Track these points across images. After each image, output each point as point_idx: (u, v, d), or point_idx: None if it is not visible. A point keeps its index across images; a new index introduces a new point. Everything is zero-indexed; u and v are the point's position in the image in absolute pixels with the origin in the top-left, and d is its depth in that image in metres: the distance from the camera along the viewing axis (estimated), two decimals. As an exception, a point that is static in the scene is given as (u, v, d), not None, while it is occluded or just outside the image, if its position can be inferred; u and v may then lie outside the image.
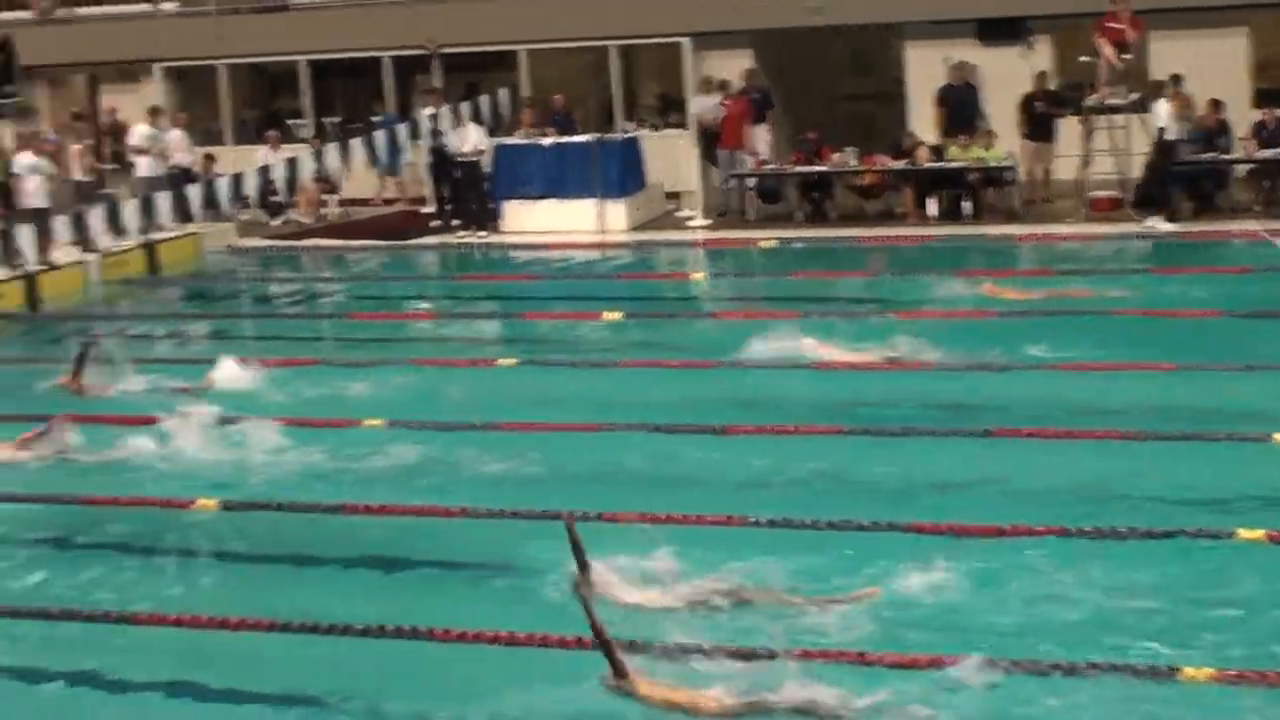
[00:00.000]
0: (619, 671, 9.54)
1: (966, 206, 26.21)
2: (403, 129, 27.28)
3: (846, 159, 26.98)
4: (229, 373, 17.86)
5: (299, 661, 10.68)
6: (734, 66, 29.11)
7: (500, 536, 12.44)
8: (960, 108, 27.16)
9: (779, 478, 13.66)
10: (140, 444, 15.32)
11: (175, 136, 29.73)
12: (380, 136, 26.84)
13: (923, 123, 27.97)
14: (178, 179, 27.49)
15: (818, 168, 27.06)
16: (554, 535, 11.27)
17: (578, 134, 28.16)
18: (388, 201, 30.91)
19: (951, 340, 17.37)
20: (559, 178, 27.48)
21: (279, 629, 10.91)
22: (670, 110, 31.20)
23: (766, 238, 25.67)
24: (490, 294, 23.57)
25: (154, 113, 29.64)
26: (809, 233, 25.89)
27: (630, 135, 29.26)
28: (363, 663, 10.48)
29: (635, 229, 27.22)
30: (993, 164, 26.40)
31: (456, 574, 12.05)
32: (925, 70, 28.46)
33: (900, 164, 26.63)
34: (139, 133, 29.13)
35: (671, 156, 28.69)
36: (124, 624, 11.21)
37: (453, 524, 12.89)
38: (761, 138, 28.11)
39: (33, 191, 26.24)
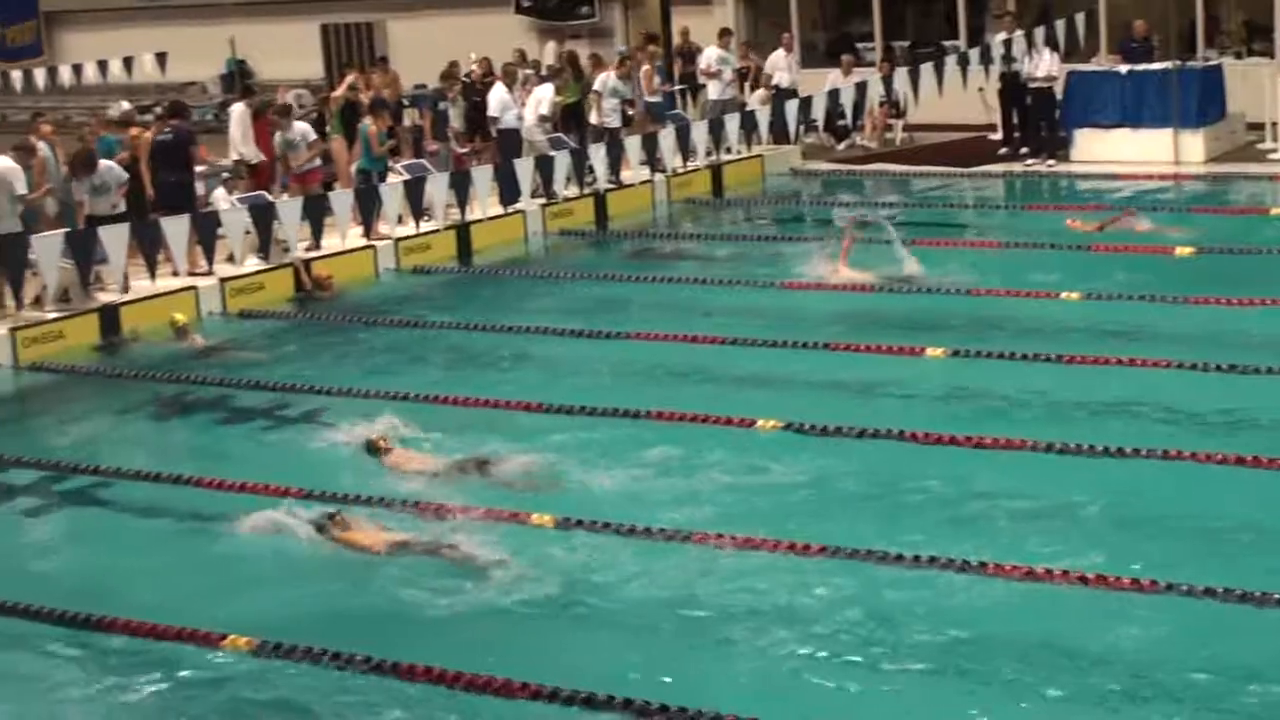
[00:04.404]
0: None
1: None
2: (974, 54, 26.75)
3: None
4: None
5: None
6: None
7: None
8: None
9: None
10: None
11: (778, 57, 29.84)
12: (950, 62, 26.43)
13: None
14: (780, 99, 27.44)
15: None
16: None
17: (1155, 61, 27.07)
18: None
19: None
20: (1134, 106, 26.60)
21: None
22: (1256, 37, 29.78)
23: (1356, 172, 24.32)
24: (1055, 223, 22.87)
25: (724, 35, 29.80)
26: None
27: (1212, 63, 28.03)
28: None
29: (1212, 160, 26.10)
30: None
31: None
32: None
33: None
34: (710, 55, 29.34)
35: (1255, 86, 27.29)
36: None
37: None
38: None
39: (609, 111, 26.78)
